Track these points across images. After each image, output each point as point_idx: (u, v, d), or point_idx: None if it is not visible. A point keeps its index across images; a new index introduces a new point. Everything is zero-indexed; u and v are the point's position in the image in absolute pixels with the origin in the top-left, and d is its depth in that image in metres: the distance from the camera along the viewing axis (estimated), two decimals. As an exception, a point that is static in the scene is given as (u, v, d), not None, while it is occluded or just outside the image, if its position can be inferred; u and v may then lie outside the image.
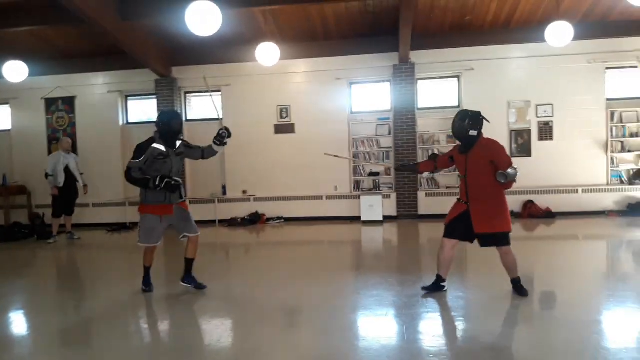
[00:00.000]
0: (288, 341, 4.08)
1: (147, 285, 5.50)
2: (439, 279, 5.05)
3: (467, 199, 4.79)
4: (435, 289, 5.05)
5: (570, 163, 10.34)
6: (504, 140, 10.42)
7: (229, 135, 5.38)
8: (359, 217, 10.41)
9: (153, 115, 11.35)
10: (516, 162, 10.21)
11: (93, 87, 11.54)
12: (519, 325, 4.26)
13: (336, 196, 10.88)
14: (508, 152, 10.21)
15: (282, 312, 4.81)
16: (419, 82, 10.76)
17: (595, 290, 5.15)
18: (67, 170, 9.59)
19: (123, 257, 8.60)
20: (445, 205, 10.24)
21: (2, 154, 11.91)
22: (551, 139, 10.41)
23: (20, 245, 9.60)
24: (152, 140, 5.05)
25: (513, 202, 10.33)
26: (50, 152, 11.38)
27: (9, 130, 11.94)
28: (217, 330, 4.43)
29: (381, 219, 10.26)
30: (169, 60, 11.08)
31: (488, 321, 4.28)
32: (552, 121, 10.39)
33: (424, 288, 5.08)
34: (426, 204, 10.52)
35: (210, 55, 10.89)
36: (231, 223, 10.86)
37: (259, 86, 11.03)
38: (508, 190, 4.78)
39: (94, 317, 4.91)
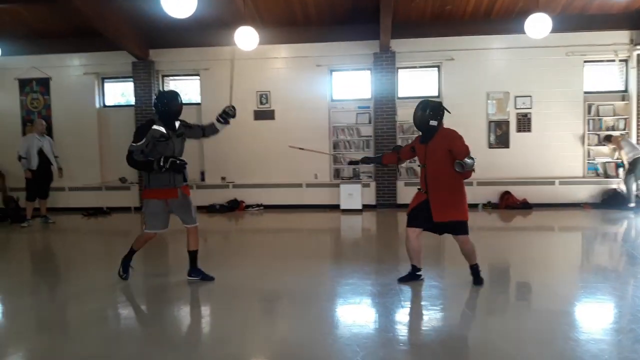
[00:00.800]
0: (261, 329, 4.06)
1: (125, 271, 5.34)
2: (414, 269, 5.09)
3: (426, 189, 4.84)
4: (411, 278, 5.07)
5: (548, 155, 10.44)
6: (482, 131, 10.49)
7: (234, 115, 5.30)
8: (339, 206, 10.39)
9: (130, 98, 11.15)
10: (494, 153, 10.39)
11: (68, 69, 11.28)
12: (491, 315, 4.30)
13: (316, 184, 10.84)
14: (486, 143, 10.43)
15: (257, 300, 4.79)
16: (400, 71, 10.73)
17: (568, 281, 5.22)
18: (41, 153, 9.39)
19: (98, 241, 8.49)
20: (423, 194, 10.39)
21: (-25, 136, 11.61)
22: (529, 130, 10.49)
23: (14, 227, 9.42)
24: (151, 122, 4.89)
25: (491, 192, 10.43)
26: (25, 134, 11.11)
27: (-19, 111, 11.63)
28: (190, 318, 4.39)
29: (360, 207, 10.27)
30: (146, 42, 10.86)
31: (460, 311, 4.32)
32: (530, 113, 10.47)
33: (400, 279, 5.10)
34: (405, 193, 10.54)
35: (189, 39, 10.70)
36: (210, 209, 10.77)
37: (238, 71, 10.77)
38: (472, 179, 4.84)
39: (68, 302, 4.84)
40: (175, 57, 11.02)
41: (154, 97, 10.82)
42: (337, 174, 10.91)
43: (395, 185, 10.54)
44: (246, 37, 8.39)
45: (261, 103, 10.92)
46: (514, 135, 10.52)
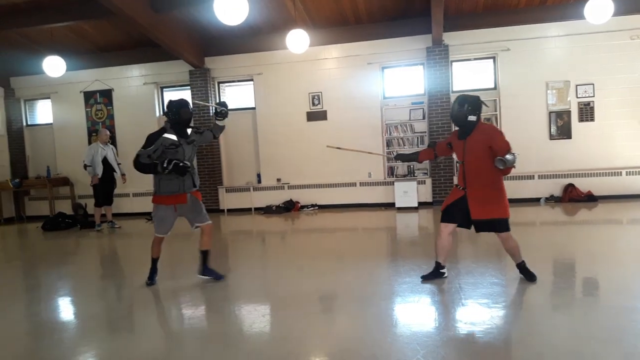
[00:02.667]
0: (320, 327, 4.10)
1: (151, 278, 5.47)
2: (438, 266, 5.00)
3: (464, 185, 4.73)
4: (435, 276, 5.00)
5: (613, 145, 9.96)
6: (542, 122, 10.13)
7: (226, 109, 5.42)
8: (394, 204, 10.32)
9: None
10: (556, 144, 10.01)
11: (129, 80, 11.78)
12: (556, 311, 4.15)
13: (370, 183, 10.82)
14: (547, 134, 10.06)
15: (315, 299, 4.83)
16: (454, 64, 10.53)
17: (638, 277, 4.97)
18: (105, 161, 9.85)
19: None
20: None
21: (46, 147, 12.34)
22: (592, 120, 10.04)
23: (64, 234, 9.94)
24: (163, 130, 5.04)
25: (553, 185, 10.06)
26: (90, 144, 11.72)
27: (51, 124, 12.33)
28: (250, 316, 4.48)
29: (416, 205, 10.16)
30: (202, 50, 11.18)
31: (523, 308, 4.19)
32: (593, 101, 10.01)
33: (423, 277, 5.02)
34: (462, 189, 10.35)
35: (241, 45, 10.96)
36: (266, 210, 10.96)
37: (290, 74, 11.02)
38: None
39: (135, 303, 5.05)
40: (229, 63, 11.29)
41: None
42: (391, 171, 10.83)
43: (452, 181, 10.35)
44: (297, 40, 8.49)
45: (313, 104, 11.01)
46: (576, 125, 10.10)
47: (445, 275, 5.06)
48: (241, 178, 11.64)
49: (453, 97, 10.34)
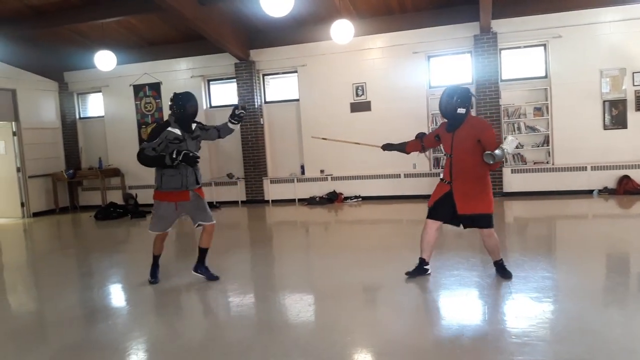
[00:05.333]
0: (366, 318, 4.09)
1: (153, 276, 5.37)
2: (422, 262, 4.88)
3: (450, 179, 4.61)
4: (419, 272, 4.88)
5: (674, 134, 9.46)
6: (596, 111, 9.72)
7: (243, 116, 5.24)
8: (441, 195, 10.16)
9: (234, 99, 11.63)
10: (610, 134, 9.61)
11: (177, 73, 12.00)
12: (610, 307, 3.99)
13: (415, 174, 10.68)
14: (601, 124, 9.66)
15: (359, 290, 4.82)
16: (502, 52, 10.23)
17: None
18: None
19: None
20: (532, 181, 9.86)
21: (98, 139, 12.76)
22: (651, 108, 9.56)
23: (116, 223, 10.27)
24: (167, 124, 4.93)
25: (607, 177, 9.65)
26: (140, 137, 12.11)
27: (102, 117, 12.73)
28: (296, 306, 4.52)
29: (463, 196, 9.95)
30: (247, 43, 11.27)
31: (575, 302, 4.05)
32: (652, 89, 9.53)
33: (407, 273, 4.90)
34: (512, 181, 10.08)
35: (286, 37, 10.97)
36: (310, 202, 11.00)
37: (334, 65, 10.97)
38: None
39: (183, 291, 5.17)
40: (273, 55, 11.33)
41: (253, 98, 11.25)
42: (437, 163, 10.65)
43: (502, 172, 10.09)
44: (342, 31, 8.44)
45: (357, 95, 10.93)
46: (632, 114, 9.62)
47: (429, 272, 4.93)
48: (285, 169, 11.71)
49: (502, 86, 10.07)
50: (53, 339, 4.11)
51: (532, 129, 10.12)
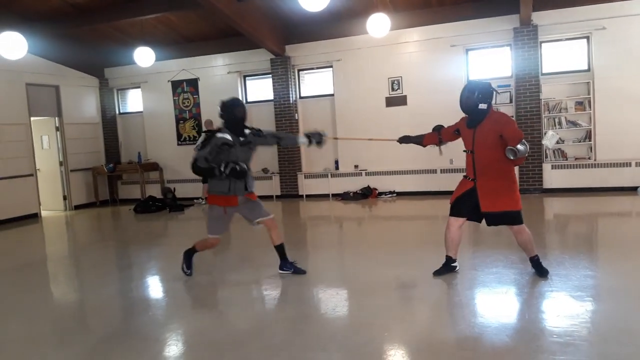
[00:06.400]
0: (403, 315, 4.05)
1: (189, 267, 5.38)
2: (449, 260, 4.80)
3: (474, 176, 4.48)
4: (446, 270, 4.79)
5: None
6: (642, 105, 9.36)
7: (322, 142, 5.16)
8: (477, 191, 9.98)
9: (269, 94, 11.68)
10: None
11: (214, 69, 12.14)
12: (660, 308, 3.85)
13: (452, 169, 10.48)
14: (650, 118, 9.31)
15: (396, 286, 4.78)
16: (543, 45, 9.95)
17: None
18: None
19: (243, 226, 9.03)
20: (574, 178, 9.58)
21: (137, 134, 13.03)
22: (701, 102, 9.15)
23: (154, 216, 10.48)
24: (217, 130, 4.92)
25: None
26: (178, 132, 12.36)
27: (141, 112, 12.99)
28: (333, 300, 4.52)
29: (501, 192, 9.74)
30: (283, 38, 11.29)
31: (622, 303, 3.91)
32: (703, 81, 9.11)
33: (435, 272, 4.80)
34: (553, 177, 9.81)
35: (321, 32, 10.94)
36: (344, 197, 10.97)
37: (370, 59, 10.89)
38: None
39: (220, 284, 5.23)
40: (309, 50, 11.33)
41: (288, 93, 11.28)
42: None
43: (542, 168, 9.83)
44: (378, 24, 8.35)
45: (393, 89, 10.82)
46: (681, 108, 9.23)
47: (457, 269, 4.84)
48: (319, 164, 11.70)
49: (543, 80, 9.81)
50: (95, 328, 4.22)
51: (574, 124, 9.82)
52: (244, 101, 12.01)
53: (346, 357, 3.28)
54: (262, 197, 11.37)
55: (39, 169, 11.43)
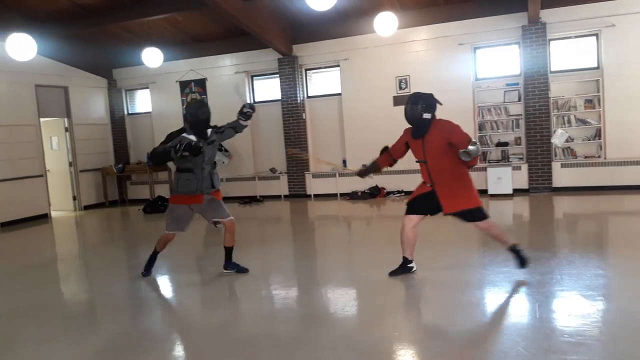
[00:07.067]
0: (412, 314, 4.05)
1: (148, 270, 5.52)
2: (405, 261, 4.84)
3: (431, 182, 4.59)
4: (403, 271, 4.84)
5: None
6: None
7: (253, 111, 5.24)
8: (486, 191, 9.93)
9: (277, 94, 11.69)
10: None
11: (222, 69, 12.16)
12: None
13: (460, 168, 10.48)
14: (660, 119, 9.22)
15: (404, 285, 4.77)
16: (552, 42, 9.89)
17: None
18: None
19: (254, 226, 9.07)
20: (583, 176, 9.52)
21: (145, 134, 13.07)
22: None
23: (163, 216, 10.41)
24: (182, 130, 5.04)
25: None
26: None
27: (149, 113, 13.05)
28: (342, 300, 4.52)
29: (511, 192, 9.70)
30: (290, 38, 11.30)
31: (634, 302, 3.88)
32: None
33: (390, 273, 4.86)
34: (562, 176, 9.74)
35: (328, 31, 10.94)
36: (352, 196, 10.97)
37: (377, 58, 10.87)
38: None
39: (229, 284, 5.24)
40: (316, 50, 11.32)
41: (295, 93, 11.29)
42: (483, 157, 10.42)
43: (551, 166, 9.77)
44: (385, 23, 8.35)
45: (400, 88, 10.80)
46: (692, 108, 9.14)
47: (414, 269, 4.88)
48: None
49: (552, 78, 9.75)
50: (105, 327, 4.24)
51: (583, 122, 9.76)
52: (252, 101, 12.05)
53: (357, 356, 3.28)
54: (270, 197, 11.63)
55: (48, 170, 11.51)
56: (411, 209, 4.80)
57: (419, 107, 4.50)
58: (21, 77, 10.58)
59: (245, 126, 5.36)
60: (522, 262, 4.62)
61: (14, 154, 10.44)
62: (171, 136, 5.03)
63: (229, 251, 5.40)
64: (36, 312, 4.64)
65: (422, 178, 4.77)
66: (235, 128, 5.32)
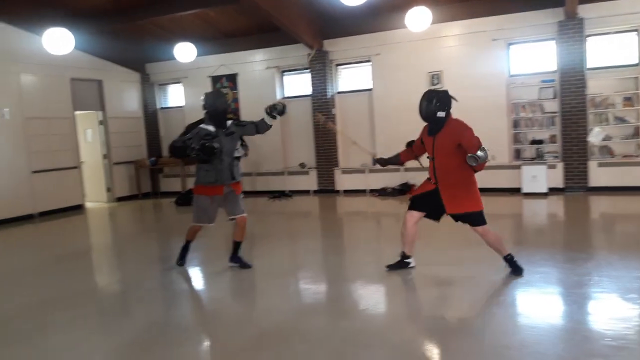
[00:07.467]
0: (446, 313, 3.98)
1: (182, 259, 5.61)
2: (404, 256, 4.86)
3: (435, 180, 4.55)
4: (400, 266, 4.86)
5: None
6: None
7: (283, 111, 5.23)
8: (520, 189, 9.74)
9: (307, 90, 11.68)
10: None
11: (252, 64, 12.20)
12: None
13: (494, 166, 10.20)
14: (703, 116, 8.89)
15: (436, 284, 4.70)
16: (589, 38, 9.61)
17: None
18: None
19: (283, 221, 9.10)
20: (621, 176, 9.24)
21: (178, 128, 13.12)
22: None
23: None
24: (201, 121, 5.10)
25: None
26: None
27: (181, 107, 13.19)
28: (374, 296, 4.49)
29: (545, 191, 9.48)
30: (321, 33, 11.26)
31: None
32: None
33: (388, 266, 4.89)
34: (599, 175, 9.47)
35: (360, 26, 10.85)
36: (382, 193, 10.89)
37: (409, 53, 10.74)
38: None
39: (259, 277, 5.26)
40: (347, 45, 11.26)
41: (326, 88, 11.26)
42: (517, 154, 10.22)
43: (587, 165, 9.52)
44: (418, 18, 8.23)
45: (432, 84, 10.65)
46: None
47: (412, 265, 4.90)
48: (356, 160, 11.63)
49: (589, 75, 9.47)
50: (136, 318, 4.30)
51: (621, 120, 9.46)
52: (282, 96, 12.06)
53: (390, 354, 3.24)
54: (299, 192, 11.63)
55: (83, 162, 11.74)
56: (414, 205, 4.80)
57: (433, 104, 4.50)
58: (57, 71, 10.80)
59: (269, 127, 5.35)
60: (518, 271, 4.58)
61: (51, 146, 10.67)
62: (190, 127, 5.12)
63: (236, 245, 5.43)
64: (70, 301, 4.73)
65: (428, 174, 4.77)
66: (257, 126, 5.32)
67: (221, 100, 5.16)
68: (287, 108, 5.32)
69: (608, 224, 7.49)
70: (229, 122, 5.22)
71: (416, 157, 5.10)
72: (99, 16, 10.35)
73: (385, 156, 5.30)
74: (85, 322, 4.18)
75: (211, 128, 5.08)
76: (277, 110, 5.20)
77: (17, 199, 9.88)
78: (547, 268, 4.77)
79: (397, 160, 5.23)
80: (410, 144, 5.16)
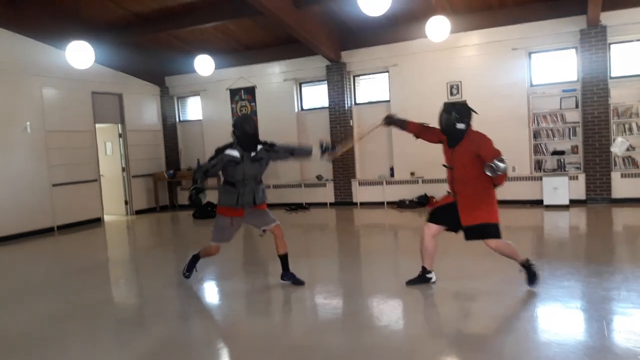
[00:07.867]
0: (470, 328, 3.87)
1: (189, 271, 5.56)
2: (424, 271, 4.77)
3: (454, 192, 4.50)
4: (421, 280, 4.77)
5: None
6: None
7: (335, 152, 5.27)
8: (541, 201, 9.55)
9: (325, 101, 11.66)
10: None
11: (271, 76, 12.24)
12: None
13: (514, 177, 10.09)
14: None
15: (458, 298, 4.60)
16: (612, 47, 9.45)
17: None
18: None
19: (300, 233, 9.03)
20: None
21: (196, 141, 13.30)
22: None
23: (213, 222, 10.50)
24: (228, 146, 5.02)
25: None
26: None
27: (200, 120, 13.27)
28: (395, 312, 4.39)
29: (567, 203, 9.28)
30: (339, 44, 11.26)
31: None
32: None
33: (408, 282, 4.81)
34: (621, 186, 9.26)
35: (377, 37, 10.83)
36: (400, 205, 10.78)
37: (427, 63, 10.68)
38: None
39: (278, 292, 5.20)
40: (364, 56, 11.24)
41: (343, 100, 11.24)
42: (538, 165, 10.04)
43: (610, 177, 9.32)
44: (437, 28, 8.16)
45: (451, 94, 10.56)
46: None
47: (433, 280, 4.79)
48: (374, 171, 11.56)
49: (612, 84, 9.30)
50: (153, 332, 4.26)
51: (646, 130, 9.26)
52: (299, 108, 12.06)
53: (410, 371, 3.15)
54: (315, 205, 11.55)
55: (102, 175, 11.84)
56: (432, 218, 4.75)
57: (451, 116, 4.46)
58: (79, 85, 10.94)
59: (309, 157, 5.37)
60: (533, 278, 4.49)
61: (71, 159, 10.79)
62: (219, 151, 5.04)
63: (284, 259, 5.26)
64: (87, 314, 4.72)
65: (447, 186, 4.72)
66: (294, 152, 5.29)
67: (250, 123, 5.05)
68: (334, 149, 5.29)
69: (632, 237, 7.28)
70: (260, 147, 5.09)
71: (418, 136, 5.06)
72: (120, 28, 10.51)
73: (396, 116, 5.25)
74: (101, 336, 4.16)
75: (236, 153, 4.96)
76: (329, 150, 5.16)
77: (37, 213, 9.98)
78: (572, 282, 4.63)
79: (404, 125, 5.14)
80: (424, 124, 5.09)
